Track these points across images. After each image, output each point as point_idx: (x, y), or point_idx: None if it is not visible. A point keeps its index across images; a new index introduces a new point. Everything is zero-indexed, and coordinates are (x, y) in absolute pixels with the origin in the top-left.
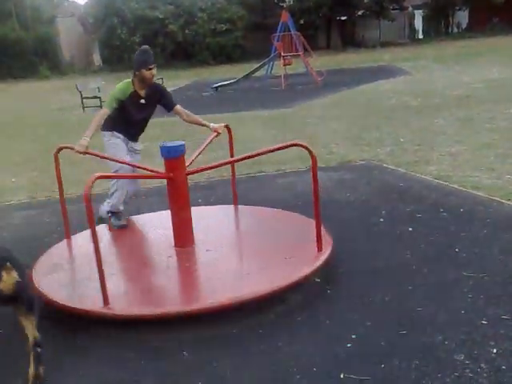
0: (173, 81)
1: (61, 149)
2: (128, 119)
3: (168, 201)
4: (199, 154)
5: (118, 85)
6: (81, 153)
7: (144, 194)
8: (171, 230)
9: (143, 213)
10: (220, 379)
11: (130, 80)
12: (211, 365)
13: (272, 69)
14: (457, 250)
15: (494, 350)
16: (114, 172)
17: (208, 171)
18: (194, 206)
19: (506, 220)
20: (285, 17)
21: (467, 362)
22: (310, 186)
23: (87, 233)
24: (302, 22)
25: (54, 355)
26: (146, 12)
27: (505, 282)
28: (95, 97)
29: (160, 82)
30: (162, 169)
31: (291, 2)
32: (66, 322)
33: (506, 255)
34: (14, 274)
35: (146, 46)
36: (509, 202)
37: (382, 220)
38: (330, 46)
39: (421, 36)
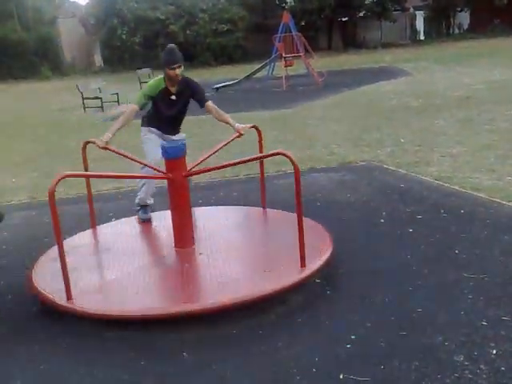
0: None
1: (87, 143)
2: (160, 115)
3: (169, 201)
4: (212, 154)
5: (150, 81)
6: (100, 147)
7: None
8: (171, 231)
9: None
10: (220, 380)
11: (162, 77)
12: (211, 365)
13: (273, 70)
14: (457, 251)
15: (494, 352)
16: (142, 168)
17: (209, 172)
18: (195, 206)
19: (507, 221)
20: (286, 18)
21: (467, 363)
22: (310, 186)
23: (89, 232)
24: (303, 23)
25: (54, 355)
26: (146, 13)
27: (505, 283)
28: (96, 97)
29: None
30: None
31: (292, 3)
32: (68, 322)
33: (506, 256)
34: None
35: (172, 46)
36: (509, 204)
37: (382, 221)
38: (331, 46)
39: (422, 37)
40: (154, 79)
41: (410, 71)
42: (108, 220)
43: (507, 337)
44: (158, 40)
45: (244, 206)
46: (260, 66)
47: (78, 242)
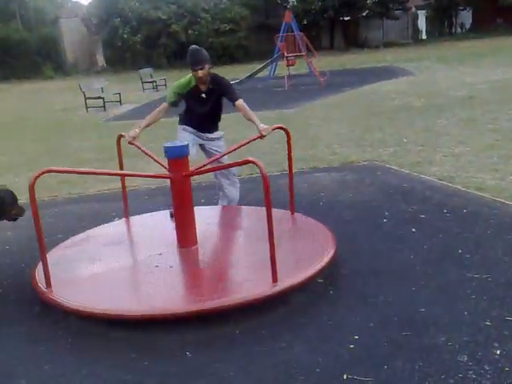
0: (176, 81)
1: (122, 136)
2: (192, 113)
3: (171, 201)
4: (227, 153)
5: (180, 79)
6: (128, 142)
7: (146, 194)
8: (174, 230)
9: (151, 211)
10: (223, 380)
11: (192, 75)
12: (214, 366)
13: (275, 69)
14: (460, 251)
15: (498, 352)
16: None
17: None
18: (198, 205)
19: (510, 221)
20: (288, 17)
21: (470, 363)
22: (313, 186)
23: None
24: (305, 22)
25: (58, 355)
26: (149, 12)
27: (508, 283)
28: (99, 97)
29: (163, 82)
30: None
31: (295, 3)
32: (70, 322)
33: (509, 256)
34: None
35: (194, 47)
36: None
37: (385, 221)
38: (334, 46)
39: (424, 36)
40: (185, 77)
41: (412, 71)
42: (110, 220)
43: (511, 337)
44: (160, 40)
45: (243, 206)
46: (262, 65)
47: (79, 239)
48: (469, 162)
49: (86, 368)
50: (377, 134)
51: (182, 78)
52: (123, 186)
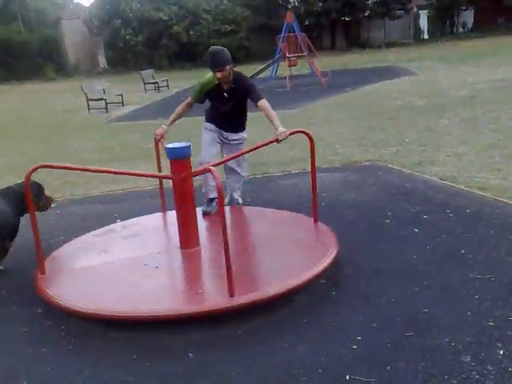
0: (177, 82)
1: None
2: (215, 111)
3: (174, 202)
4: (238, 155)
5: (205, 75)
6: (156, 140)
7: (149, 196)
8: (177, 231)
9: (154, 212)
10: (225, 380)
11: None
12: (216, 366)
13: (277, 70)
14: (463, 251)
15: (501, 352)
16: (199, 163)
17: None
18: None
19: None
20: (289, 18)
21: (474, 363)
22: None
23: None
24: (306, 22)
25: (60, 355)
26: (150, 13)
27: (511, 283)
28: (100, 99)
29: (165, 83)
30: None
31: (296, 4)
32: (72, 323)
33: None
34: None
35: (213, 49)
36: None
37: (387, 221)
38: (335, 46)
39: (426, 36)
40: (209, 74)
41: (413, 70)
42: (113, 221)
43: None
44: (161, 41)
45: (245, 206)
46: (264, 66)
47: (82, 242)
48: (471, 162)
49: (88, 369)
50: (379, 134)
51: (184, 79)
52: (161, 187)
